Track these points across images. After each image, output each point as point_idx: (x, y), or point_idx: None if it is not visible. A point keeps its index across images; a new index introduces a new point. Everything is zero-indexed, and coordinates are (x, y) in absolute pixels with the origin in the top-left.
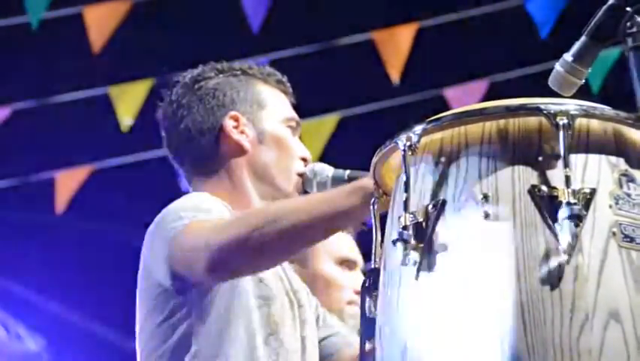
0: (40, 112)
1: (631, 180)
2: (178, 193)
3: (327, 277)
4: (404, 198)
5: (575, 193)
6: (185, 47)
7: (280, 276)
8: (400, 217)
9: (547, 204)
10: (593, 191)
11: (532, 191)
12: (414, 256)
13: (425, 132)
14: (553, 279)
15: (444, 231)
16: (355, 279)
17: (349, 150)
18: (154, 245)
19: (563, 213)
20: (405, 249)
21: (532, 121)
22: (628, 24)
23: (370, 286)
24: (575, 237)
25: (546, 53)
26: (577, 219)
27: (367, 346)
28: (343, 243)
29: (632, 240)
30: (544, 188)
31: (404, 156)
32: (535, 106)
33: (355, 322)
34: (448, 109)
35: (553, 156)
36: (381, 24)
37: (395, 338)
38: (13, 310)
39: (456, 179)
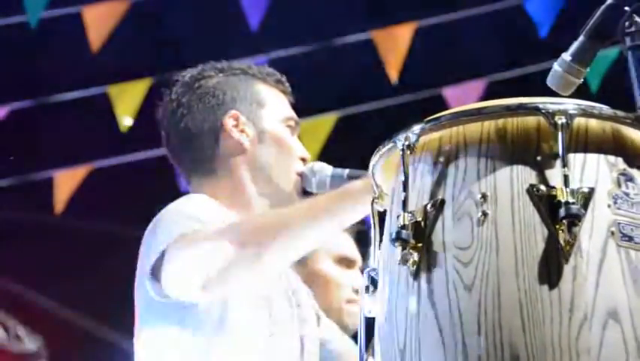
0: (39, 111)
1: (629, 179)
2: (177, 193)
3: (326, 276)
4: (403, 198)
5: (573, 193)
6: (184, 46)
7: (279, 275)
8: (398, 217)
9: (545, 203)
10: (592, 190)
11: (531, 190)
12: (413, 255)
13: (424, 132)
14: (552, 278)
15: (443, 230)
16: (354, 277)
17: (348, 150)
18: (149, 248)
19: (562, 212)
20: (404, 248)
21: (531, 120)
22: (626, 23)
23: (369, 285)
24: (574, 236)
25: (545, 53)
26: (575, 218)
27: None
28: (341, 241)
29: (630, 239)
30: (542, 187)
31: (403, 156)
32: (533, 105)
33: (354, 321)
34: (446, 108)
35: (551, 156)
36: (379, 23)
37: (394, 338)
38: (12, 309)
39: (454, 178)
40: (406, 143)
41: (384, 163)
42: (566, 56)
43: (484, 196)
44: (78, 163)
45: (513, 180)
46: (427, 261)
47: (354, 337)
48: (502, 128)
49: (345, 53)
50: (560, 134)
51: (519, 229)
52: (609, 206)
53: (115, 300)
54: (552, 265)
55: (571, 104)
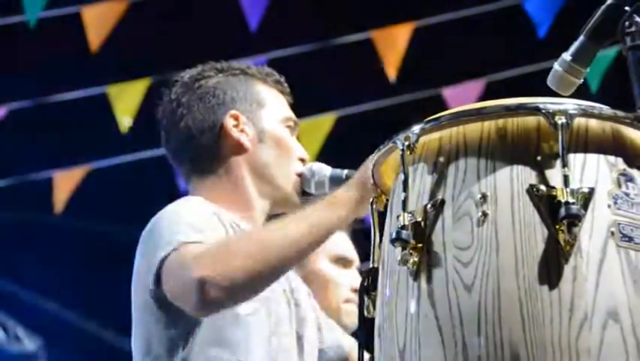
0: (38, 111)
1: (629, 179)
2: (176, 193)
3: (324, 276)
4: (403, 198)
5: (573, 193)
6: (184, 46)
7: None
8: (398, 217)
9: (545, 203)
10: (592, 190)
11: (531, 190)
12: (413, 255)
13: (424, 132)
14: (552, 279)
15: (442, 230)
16: (351, 277)
17: (346, 150)
18: (145, 252)
19: (562, 212)
20: (403, 248)
21: (531, 121)
22: (626, 23)
23: (369, 285)
24: (574, 236)
25: (544, 52)
26: (575, 218)
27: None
28: (339, 241)
29: (630, 239)
30: (542, 187)
31: (402, 156)
32: (533, 105)
33: (352, 320)
34: (446, 108)
35: (551, 156)
36: (378, 23)
37: (393, 338)
38: (11, 310)
39: (454, 179)
40: (406, 143)
41: (383, 163)
42: (566, 55)
43: (484, 196)
44: (77, 163)
45: (513, 180)
46: (426, 261)
47: (353, 335)
48: (502, 128)
49: (344, 53)
50: (560, 134)
51: (519, 229)
52: (609, 206)
53: (114, 300)
54: (552, 265)
55: (571, 104)
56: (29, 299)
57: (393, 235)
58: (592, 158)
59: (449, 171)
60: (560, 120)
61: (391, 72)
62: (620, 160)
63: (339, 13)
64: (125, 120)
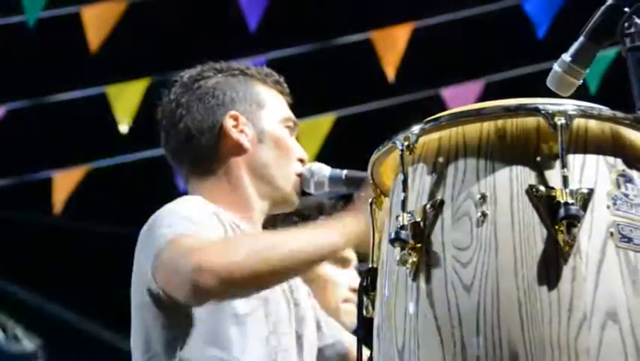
0: (37, 111)
1: (629, 180)
2: (176, 193)
3: (322, 276)
4: (402, 198)
5: (572, 193)
6: (183, 46)
7: None
8: (397, 217)
9: (544, 204)
10: (591, 191)
11: (530, 191)
12: (412, 255)
13: (423, 132)
14: (551, 279)
15: (442, 231)
16: (350, 277)
17: (346, 150)
18: (144, 248)
19: (561, 213)
20: (402, 249)
21: (530, 121)
22: (626, 25)
23: (368, 285)
24: (573, 237)
25: (543, 53)
26: (574, 219)
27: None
28: None
29: (629, 240)
30: (541, 188)
31: (402, 156)
32: (533, 106)
33: (351, 320)
34: (445, 109)
35: (551, 156)
36: (377, 24)
37: (392, 338)
38: (11, 310)
39: (454, 179)
40: (406, 143)
41: (383, 164)
42: (566, 56)
43: (483, 197)
44: (76, 163)
45: (512, 181)
46: (426, 261)
47: (353, 335)
48: (502, 128)
49: (343, 53)
50: (559, 134)
51: (518, 230)
52: (608, 207)
53: (113, 301)
54: (551, 266)
55: (570, 105)
56: (28, 299)
57: (393, 235)
58: (591, 159)
59: (448, 171)
60: (560, 121)
61: (391, 73)
62: (619, 161)
63: (338, 14)
64: (122, 127)
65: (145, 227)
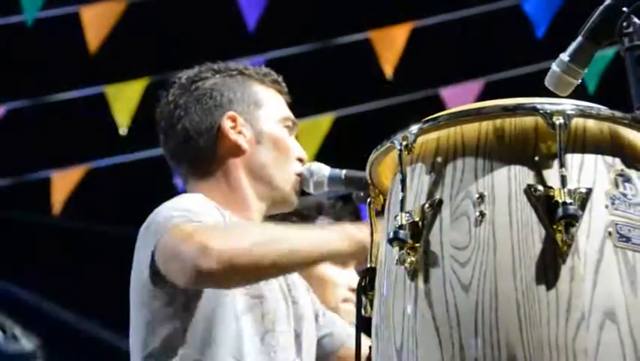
0: (36, 111)
1: (627, 180)
2: (175, 193)
3: (321, 275)
4: (400, 198)
5: (570, 193)
6: (181, 47)
7: None
8: (396, 216)
9: (543, 204)
10: (589, 191)
11: (529, 191)
12: (410, 255)
13: (422, 132)
14: (550, 279)
15: (440, 230)
16: (349, 276)
17: (345, 150)
18: (143, 244)
19: (559, 213)
20: (401, 248)
21: (529, 121)
22: (624, 24)
23: (366, 285)
24: (571, 237)
25: (542, 53)
26: (573, 219)
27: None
28: None
29: (628, 240)
30: (540, 188)
31: (400, 156)
32: (531, 106)
33: (350, 319)
34: (443, 109)
35: (549, 156)
36: (376, 23)
37: (390, 338)
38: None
39: (452, 179)
40: (404, 143)
41: (381, 163)
42: (564, 56)
43: (481, 196)
44: (75, 163)
45: (511, 180)
46: (424, 261)
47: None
48: (500, 128)
49: (342, 53)
50: (557, 134)
51: (516, 229)
52: (607, 207)
53: (113, 300)
54: (549, 266)
55: (569, 105)
56: (28, 299)
57: (391, 235)
58: (589, 158)
59: (447, 171)
60: (558, 121)
61: (389, 72)
62: (617, 161)
63: (337, 14)
64: (121, 130)
65: (144, 225)
